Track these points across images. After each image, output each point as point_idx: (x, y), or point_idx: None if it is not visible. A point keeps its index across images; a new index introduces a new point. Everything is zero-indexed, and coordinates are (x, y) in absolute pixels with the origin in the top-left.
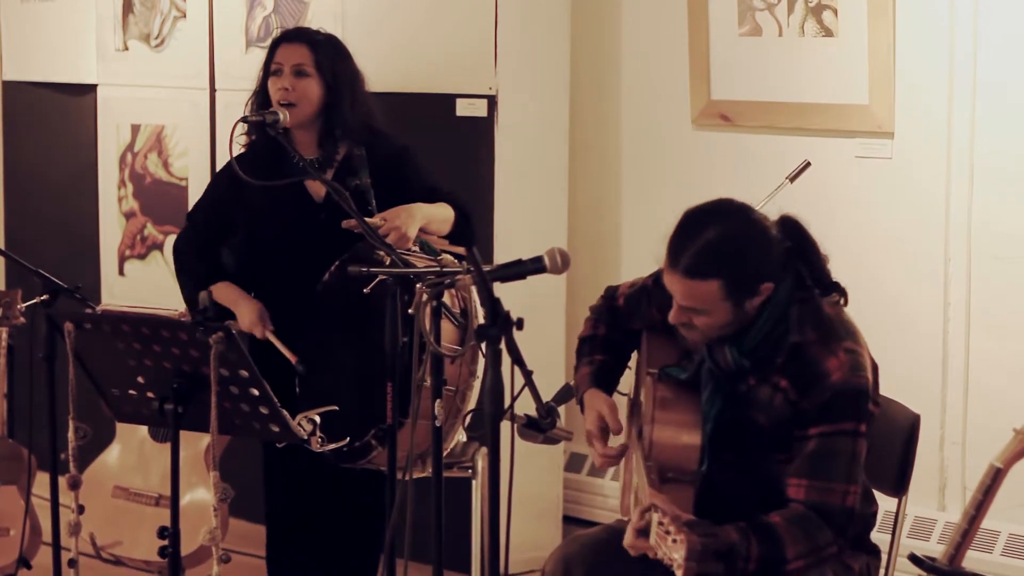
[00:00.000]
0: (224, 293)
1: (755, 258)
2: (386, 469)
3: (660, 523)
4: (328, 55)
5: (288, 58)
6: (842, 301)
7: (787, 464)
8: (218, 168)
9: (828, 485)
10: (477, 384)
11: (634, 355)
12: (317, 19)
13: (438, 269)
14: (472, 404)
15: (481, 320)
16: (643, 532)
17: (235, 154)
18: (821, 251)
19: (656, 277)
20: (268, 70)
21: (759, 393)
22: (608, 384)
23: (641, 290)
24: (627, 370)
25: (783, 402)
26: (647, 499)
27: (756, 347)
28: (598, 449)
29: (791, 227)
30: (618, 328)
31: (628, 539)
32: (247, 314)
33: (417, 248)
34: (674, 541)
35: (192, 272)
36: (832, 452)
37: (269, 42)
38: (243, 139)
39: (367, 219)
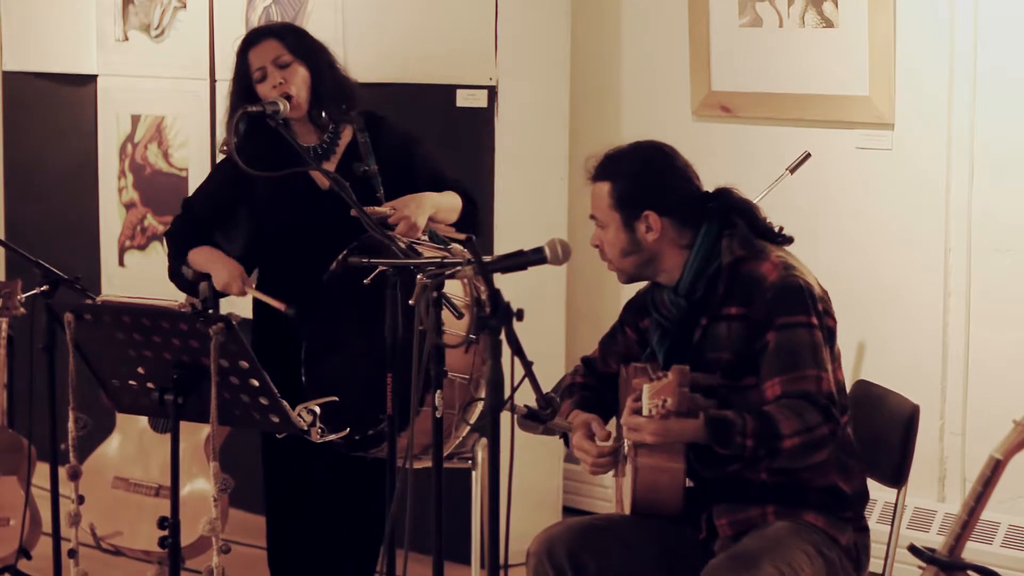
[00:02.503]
0: (201, 257)
1: (648, 179)
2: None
3: (651, 377)
4: (295, 38)
5: (264, 57)
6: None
7: (757, 388)
8: (218, 159)
9: (799, 374)
10: None
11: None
12: (317, 10)
13: (439, 260)
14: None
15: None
16: (637, 412)
17: (234, 149)
18: (756, 208)
19: (624, 307)
20: (250, 79)
21: (716, 331)
22: (592, 410)
23: (614, 327)
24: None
25: (739, 326)
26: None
27: (692, 286)
28: (591, 451)
29: (723, 193)
30: (595, 375)
31: (624, 419)
32: (222, 273)
33: (426, 237)
34: (666, 377)
35: (179, 249)
36: (792, 344)
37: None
38: (234, 142)
39: (377, 207)
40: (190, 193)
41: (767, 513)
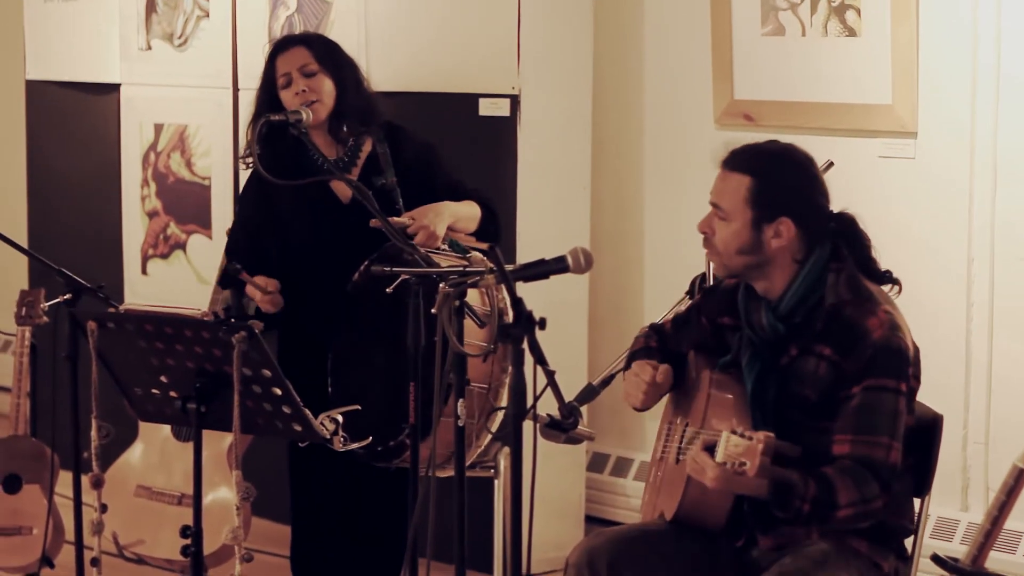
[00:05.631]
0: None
1: (789, 182)
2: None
3: (734, 431)
4: (325, 49)
5: (291, 64)
6: (896, 290)
7: (830, 434)
8: (241, 169)
9: (873, 439)
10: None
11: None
12: (340, 19)
13: (461, 268)
14: (504, 402)
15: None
16: (709, 450)
17: (254, 161)
18: (871, 246)
19: (704, 292)
20: (275, 85)
21: (804, 365)
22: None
23: (688, 309)
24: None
25: (828, 369)
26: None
27: (791, 312)
28: (645, 379)
29: (845, 218)
30: (664, 349)
31: (693, 455)
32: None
33: (446, 247)
34: (749, 439)
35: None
36: (875, 407)
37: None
38: (253, 155)
39: (396, 218)
40: (212, 201)
41: (811, 531)
